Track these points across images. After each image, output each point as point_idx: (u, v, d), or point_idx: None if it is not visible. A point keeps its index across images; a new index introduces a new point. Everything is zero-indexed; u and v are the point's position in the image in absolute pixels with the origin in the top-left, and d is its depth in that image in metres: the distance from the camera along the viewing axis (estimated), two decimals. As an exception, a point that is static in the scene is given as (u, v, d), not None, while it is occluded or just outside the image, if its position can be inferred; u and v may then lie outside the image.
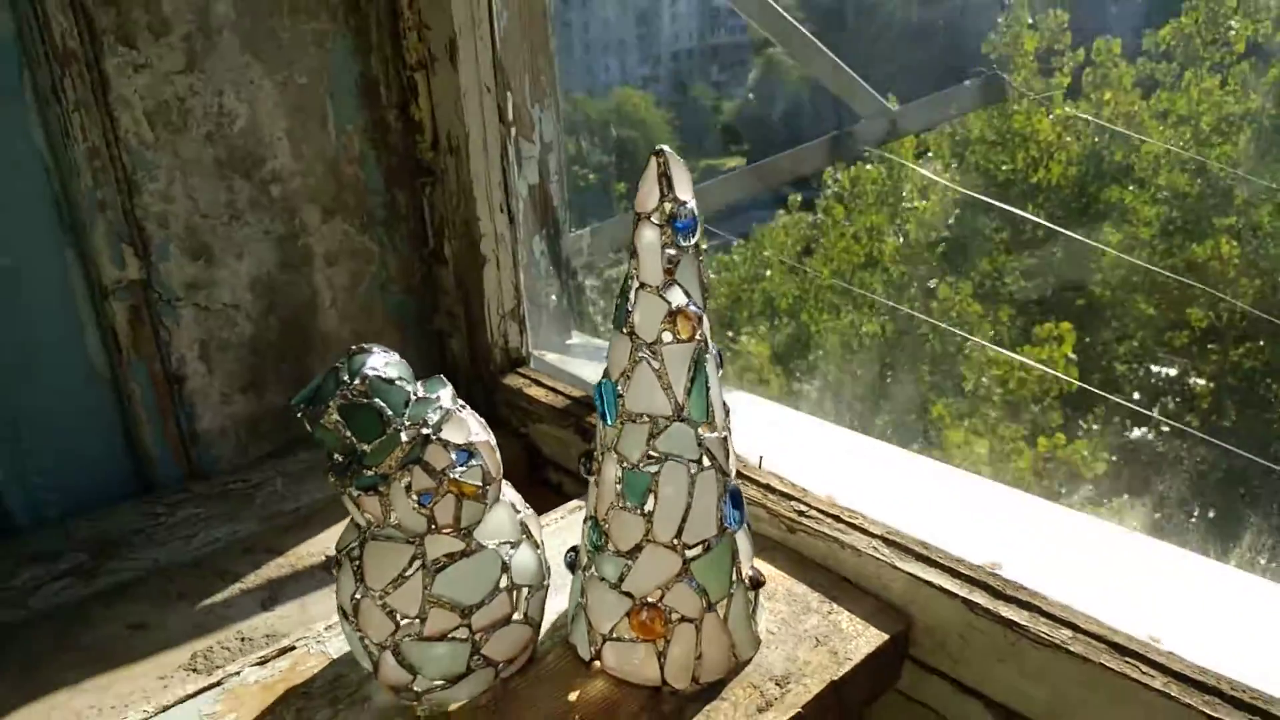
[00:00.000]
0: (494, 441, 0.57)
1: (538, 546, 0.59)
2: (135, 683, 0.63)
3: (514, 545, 0.57)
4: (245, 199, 0.88)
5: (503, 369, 0.97)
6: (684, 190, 0.53)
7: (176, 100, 0.82)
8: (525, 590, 0.58)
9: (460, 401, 0.57)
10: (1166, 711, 0.55)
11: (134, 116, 0.80)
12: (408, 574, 0.54)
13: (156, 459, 0.87)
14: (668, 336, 0.55)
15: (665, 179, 0.53)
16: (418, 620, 0.54)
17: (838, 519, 0.71)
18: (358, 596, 0.55)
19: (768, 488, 0.75)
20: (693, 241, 0.54)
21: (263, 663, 0.62)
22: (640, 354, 0.55)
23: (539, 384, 0.94)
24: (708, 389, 0.56)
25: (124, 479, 0.87)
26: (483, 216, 0.92)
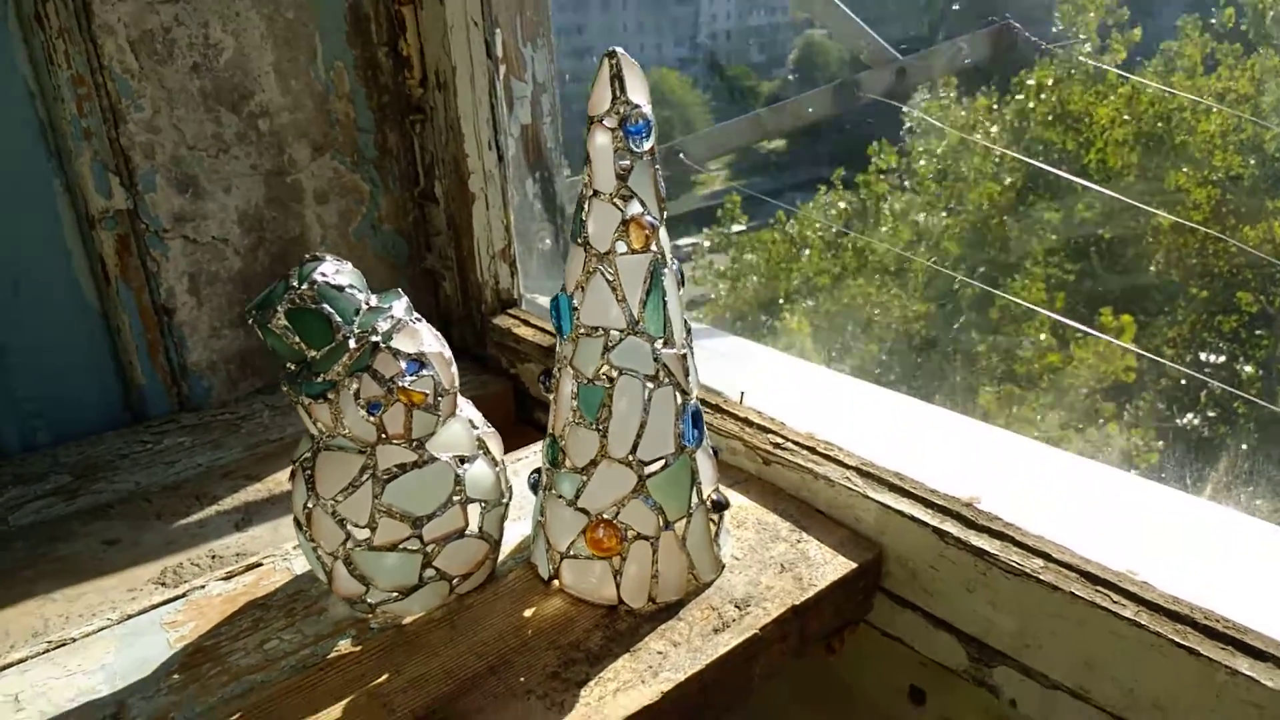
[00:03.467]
0: (449, 354, 0.56)
1: (496, 464, 0.59)
2: (104, 595, 0.63)
3: (469, 459, 0.57)
4: (233, 132, 0.88)
5: (493, 310, 0.97)
6: (637, 93, 0.52)
7: (161, 30, 0.82)
8: (480, 505, 0.57)
9: (416, 315, 0.56)
10: (1135, 640, 0.53)
11: (118, 44, 0.80)
12: (358, 483, 0.54)
13: (146, 390, 0.87)
14: (621, 247, 0.53)
15: (617, 80, 0.51)
16: (368, 529, 0.54)
17: (813, 450, 0.69)
18: (309, 506, 0.55)
19: (746, 421, 0.74)
20: (646, 147, 0.53)
21: (228, 577, 0.62)
22: (594, 265, 0.54)
23: (528, 324, 0.93)
24: (665, 303, 0.55)
25: (114, 409, 0.88)
26: (471, 153, 0.91)
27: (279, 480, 0.76)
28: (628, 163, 0.53)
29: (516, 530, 0.65)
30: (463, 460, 0.56)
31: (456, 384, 0.56)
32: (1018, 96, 8.51)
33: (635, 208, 0.53)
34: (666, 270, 0.55)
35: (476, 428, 0.58)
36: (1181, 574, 0.58)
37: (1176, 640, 0.51)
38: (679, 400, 0.56)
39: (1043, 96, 8.51)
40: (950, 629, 0.63)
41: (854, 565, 0.62)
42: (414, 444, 0.54)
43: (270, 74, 0.89)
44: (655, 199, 0.54)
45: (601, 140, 0.52)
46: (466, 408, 0.59)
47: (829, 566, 0.62)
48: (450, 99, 0.90)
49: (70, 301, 0.83)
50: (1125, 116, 8.24)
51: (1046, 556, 0.58)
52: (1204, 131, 7.84)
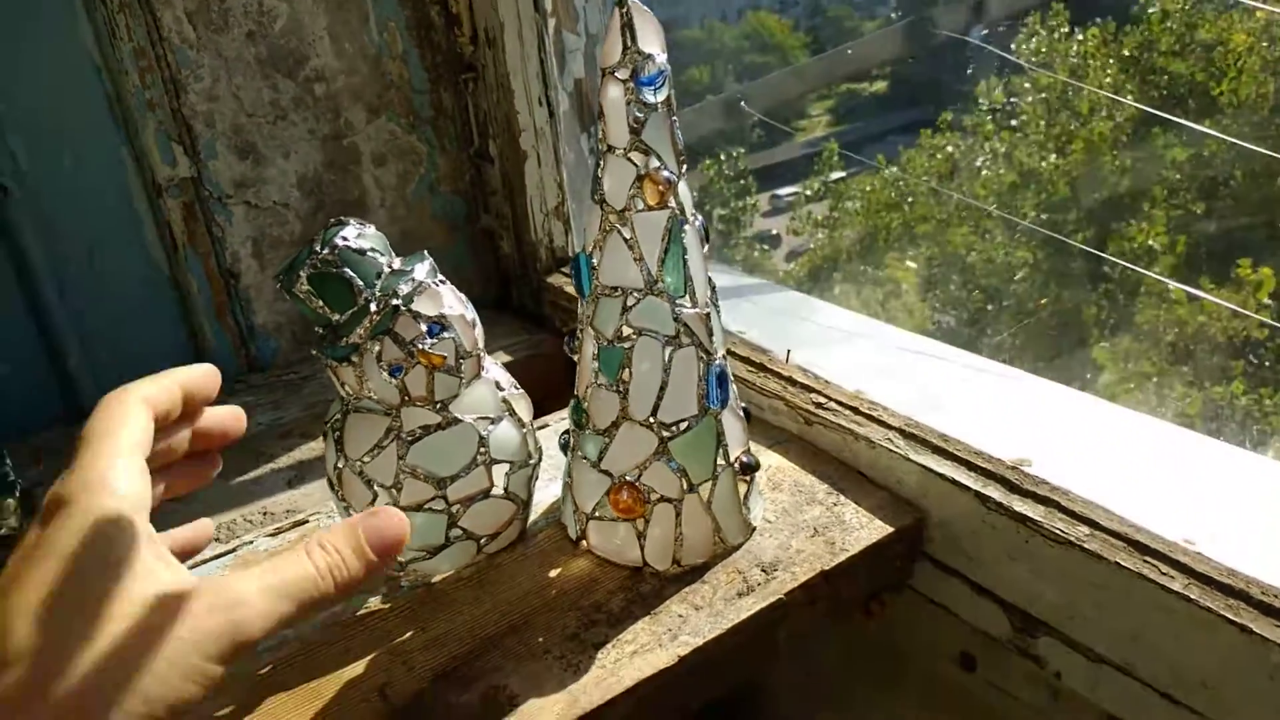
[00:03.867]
0: (471, 315, 0.56)
1: (523, 426, 0.59)
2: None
3: (493, 421, 0.57)
4: (289, 98, 0.89)
5: (549, 268, 0.97)
6: (650, 42, 0.50)
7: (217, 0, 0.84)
8: (506, 466, 0.57)
9: (440, 276, 0.56)
10: (1184, 615, 0.50)
11: (175, 15, 0.82)
12: (383, 444, 0.55)
13: (216, 352, 0.91)
14: (638, 204, 0.52)
15: (628, 29, 0.50)
16: (394, 489, 0.55)
17: (856, 410, 0.67)
18: (339, 466, 0.56)
19: (790, 380, 0.72)
20: (660, 99, 0.51)
21: (276, 533, 0.65)
22: (611, 224, 0.53)
23: (580, 282, 0.93)
24: (685, 262, 0.54)
25: (188, 370, 0.91)
26: (521, 110, 0.90)
27: (333, 438, 0.79)
28: (642, 115, 0.51)
29: (551, 491, 0.66)
30: (488, 422, 0.56)
31: (481, 345, 0.56)
32: (1139, 27, 7.98)
33: (651, 162, 0.52)
34: (687, 227, 0.54)
35: (502, 389, 0.58)
36: (1244, 544, 0.54)
37: (1228, 616, 0.48)
38: (702, 361, 0.55)
39: (1169, 25, 7.96)
40: (994, 597, 0.61)
41: (890, 530, 0.60)
42: (437, 406, 0.55)
43: (324, 38, 0.90)
44: (673, 153, 0.53)
45: (614, 93, 0.51)
46: (493, 369, 0.59)
47: (864, 531, 0.60)
48: (500, 55, 0.90)
49: (142, 268, 0.87)
50: (1264, 43, 7.63)
51: (1093, 524, 0.55)
52: (1354, 58, 7.21)
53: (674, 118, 0.52)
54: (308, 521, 0.66)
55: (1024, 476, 0.59)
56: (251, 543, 0.64)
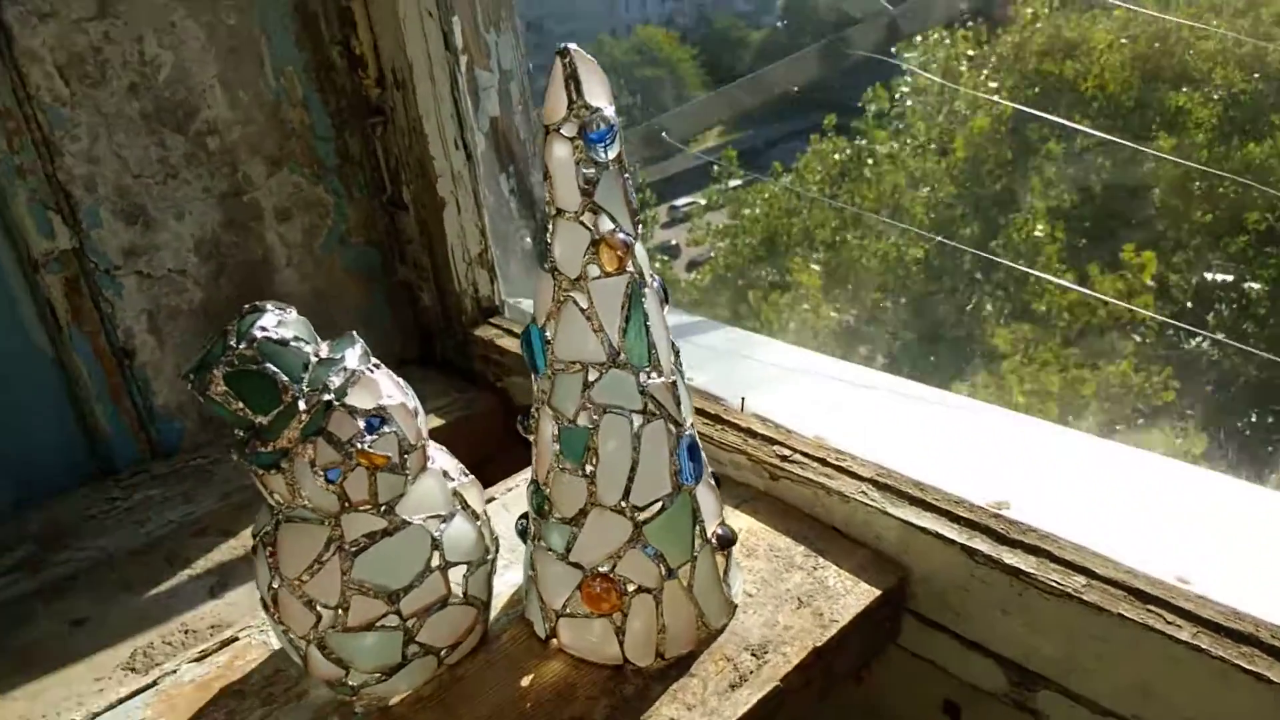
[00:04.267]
0: (414, 404, 0.50)
1: (477, 518, 0.53)
2: (70, 686, 0.58)
3: (445, 519, 0.51)
4: (180, 155, 0.81)
5: (474, 320, 0.91)
6: (597, 95, 0.46)
7: (91, 50, 0.76)
8: (462, 568, 0.52)
9: (373, 361, 0.50)
10: (1196, 665, 0.47)
11: (45, 71, 0.74)
12: (324, 559, 0.48)
13: (113, 439, 0.82)
14: (594, 270, 0.48)
15: (573, 82, 0.45)
16: (339, 610, 0.49)
17: (824, 462, 0.64)
18: (274, 586, 0.49)
19: (749, 432, 0.68)
20: (612, 155, 0.47)
21: (201, 658, 0.57)
22: (565, 293, 0.48)
23: (511, 334, 0.87)
24: (648, 328, 0.49)
25: (80, 462, 0.82)
26: (436, 155, 0.85)
27: (255, 531, 0.71)
28: (593, 172, 0.47)
29: (508, 579, 0.60)
30: (439, 520, 0.51)
31: (425, 435, 0.51)
32: (1011, 29, 8.32)
33: (605, 224, 0.47)
34: (646, 290, 0.49)
35: (451, 480, 0.53)
36: (1240, 578, 0.53)
37: (1241, 665, 0.46)
38: (672, 434, 0.51)
39: (1038, 25, 8.31)
40: (986, 651, 0.58)
41: (878, 592, 0.57)
42: (382, 509, 0.49)
43: (215, 87, 0.82)
44: (627, 212, 0.48)
45: (560, 152, 0.46)
46: (439, 457, 0.53)
47: (851, 596, 0.57)
48: (410, 97, 0.84)
49: (21, 351, 0.78)
50: (1123, 40, 8.05)
51: (1089, 573, 0.52)
52: (1203, 50, 7.66)
53: (626, 175, 0.48)
54: (238, 639, 0.58)
55: (1009, 525, 0.56)
56: (174, 671, 0.56)
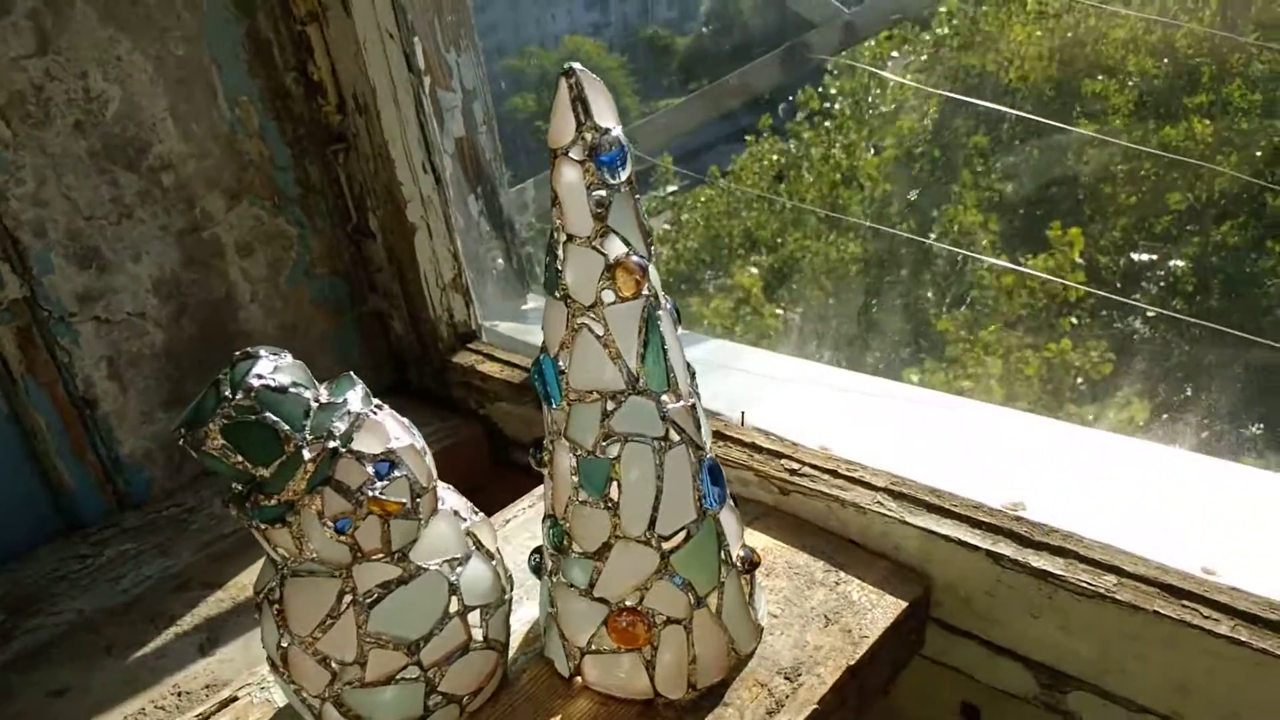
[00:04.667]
0: (422, 444, 0.48)
1: (492, 558, 0.51)
2: (57, 765, 0.54)
3: (461, 562, 0.49)
4: (133, 193, 0.77)
5: (451, 346, 0.88)
6: (605, 115, 0.44)
7: (32, 88, 0.72)
8: (480, 611, 0.49)
9: (376, 402, 0.48)
10: (1235, 658, 0.47)
11: (-17, 112, 0.69)
12: (337, 613, 0.46)
13: (78, 494, 0.78)
14: (609, 296, 0.46)
15: (580, 104, 0.43)
16: (357, 665, 0.46)
17: (835, 474, 0.62)
18: (284, 645, 0.46)
19: (753, 447, 0.67)
20: (624, 177, 0.45)
21: (200, 721, 0.54)
22: (579, 320, 0.46)
23: (492, 358, 0.85)
24: (665, 352, 0.47)
25: (45, 519, 0.78)
26: (404, 179, 0.82)
27: (242, 585, 0.68)
28: (604, 195, 0.45)
29: (521, 615, 0.58)
30: (454, 564, 0.48)
31: (435, 477, 0.48)
32: (932, 25, 8.50)
33: (618, 248, 0.46)
34: (661, 313, 0.48)
35: (464, 520, 0.50)
36: (1265, 567, 0.53)
37: (1283, 655, 0.46)
38: (694, 458, 0.49)
39: (955, 22, 8.51)
40: (1015, 656, 0.57)
41: (904, 604, 0.56)
42: (396, 556, 0.46)
43: (167, 120, 0.78)
44: (640, 234, 0.46)
45: (570, 176, 0.44)
46: (448, 497, 0.51)
47: (877, 610, 0.55)
48: (374, 122, 0.81)
49: (-27, 409, 0.73)
50: (1039, 32, 8.27)
51: (1119, 571, 0.52)
52: (1115, 38, 7.91)
53: (637, 196, 0.46)
54: (237, 698, 0.55)
55: (1032, 527, 0.55)
56: (172, 741, 0.53)
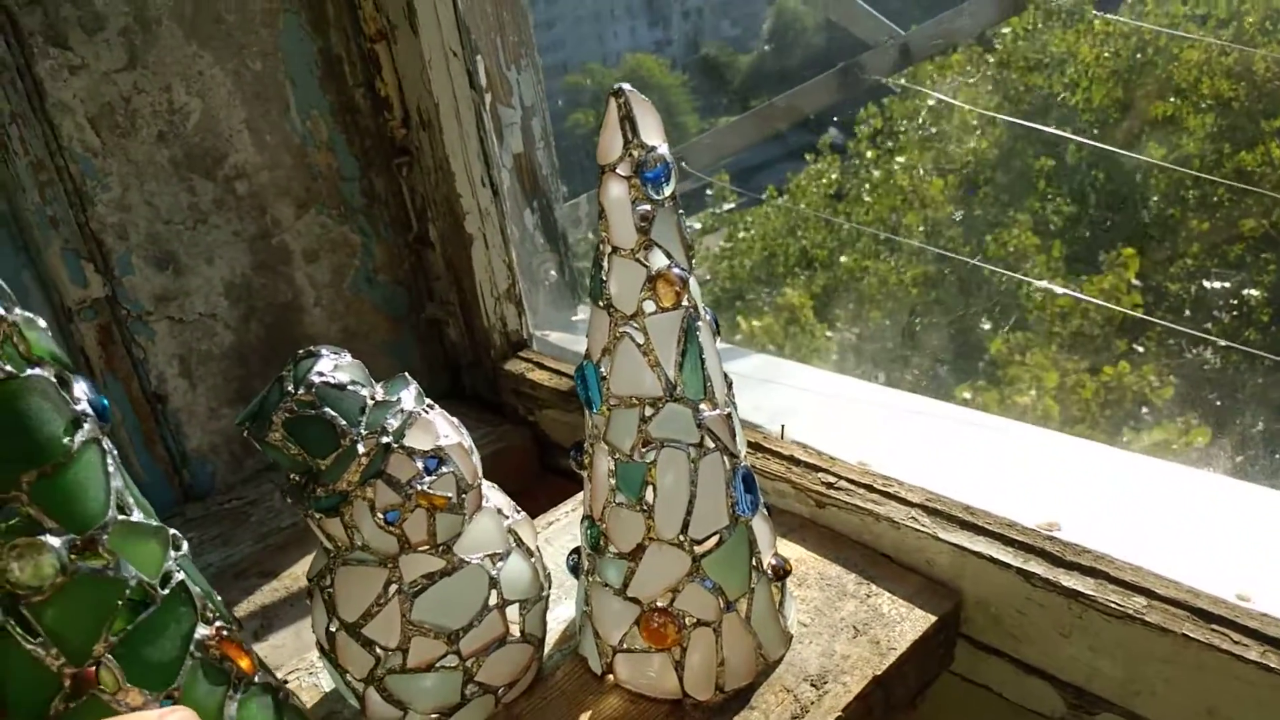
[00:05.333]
0: (469, 443, 0.50)
1: (531, 555, 0.53)
2: (121, 732, 0.58)
3: (502, 557, 0.51)
4: (209, 200, 0.82)
5: (503, 354, 0.91)
6: (652, 134, 0.46)
7: (121, 101, 0.76)
8: (519, 606, 0.51)
9: (428, 401, 0.50)
10: (1265, 685, 0.47)
11: (76, 122, 0.74)
12: (383, 601, 0.48)
13: (146, 485, 0.82)
14: (650, 306, 0.48)
15: (628, 122, 0.46)
16: (399, 651, 0.48)
17: (870, 488, 0.63)
18: (332, 630, 0.49)
19: (792, 460, 0.68)
20: (667, 193, 0.47)
21: (252, 701, 0.57)
22: (621, 329, 0.48)
23: (542, 367, 0.88)
24: (703, 361, 0.49)
25: (115, 507, 0.82)
26: (464, 192, 0.85)
27: (296, 575, 0.71)
28: (648, 209, 0.47)
29: (558, 613, 0.60)
30: (496, 559, 0.51)
31: (481, 475, 0.51)
32: (997, 46, 8.40)
33: (661, 261, 0.48)
34: (700, 324, 0.50)
35: (506, 517, 0.52)
36: (1299, 595, 0.53)
37: (1314, 683, 0.46)
38: (728, 466, 0.51)
39: (1020, 43, 8.40)
40: (1044, 675, 0.57)
41: (934, 618, 0.57)
42: (440, 549, 0.49)
43: (243, 132, 0.83)
44: (682, 248, 0.49)
45: (617, 191, 0.47)
46: (492, 495, 0.53)
47: (906, 623, 0.56)
48: (436, 137, 0.84)
49: (55, 400, 0.78)
50: (1106, 53, 8.12)
51: (1149, 593, 0.52)
52: (1188, 59, 7.73)
53: (681, 211, 0.48)
54: (287, 682, 0.58)
55: (1064, 547, 0.56)
56: (227, 717, 0.56)
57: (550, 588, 0.55)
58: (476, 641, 0.50)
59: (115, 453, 0.45)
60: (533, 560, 0.53)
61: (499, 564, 0.51)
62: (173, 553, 0.43)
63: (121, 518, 0.41)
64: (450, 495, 0.48)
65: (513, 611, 0.51)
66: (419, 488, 0.47)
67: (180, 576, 0.42)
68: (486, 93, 0.86)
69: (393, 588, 0.48)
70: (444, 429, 0.49)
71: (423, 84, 0.82)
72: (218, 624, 0.43)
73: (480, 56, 0.85)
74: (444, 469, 0.48)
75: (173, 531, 0.44)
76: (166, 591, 0.41)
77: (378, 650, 0.48)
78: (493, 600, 0.50)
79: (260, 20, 0.82)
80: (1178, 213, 7.42)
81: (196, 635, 0.42)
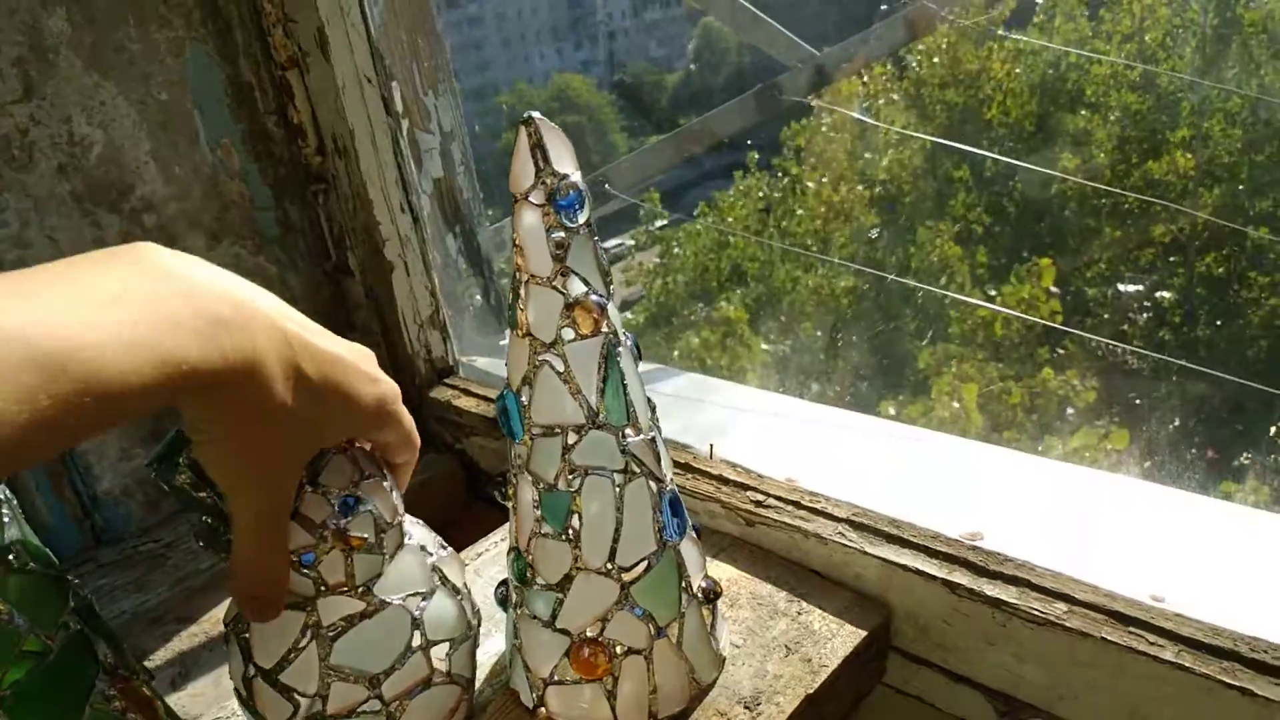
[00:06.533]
0: (390, 481, 0.49)
1: (458, 592, 0.52)
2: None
3: (426, 596, 0.50)
4: (115, 233, 0.79)
5: (429, 382, 0.90)
6: (563, 161, 0.46)
7: (17, 133, 0.73)
8: (445, 646, 0.50)
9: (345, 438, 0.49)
10: (1181, 684, 0.48)
11: (-32, 156, 0.71)
12: (300, 645, 0.46)
13: (55, 529, 0.78)
14: (569, 334, 0.47)
15: (539, 151, 0.45)
16: (319, 698, 0.47)
17: (798, 505, 0.64)
18: (249, 676, 0.47)
19: (721, 479, 0.68)
20: (581, 220, 0.47)
21: (169, 755, 0.55)
22: (540, 357, 0.48)
23: (468, 393, 0.86)
24: (625, 387, 0.49)
25: (21, 557, 0.78)
26: (382, 219, 0.84)
27: (215, 619, 0.69)
28: (563, 237, 0.47)
29: (489, 647, 0.59)
30: (419, 598, 0.49)
31: (402, 512, 0.50)
32: (911, 64, 8.64)
33: (578, 288, 0.47)
34: (621, 349, 0.49)
35: (431, 554, 0.51)
36: (1211, 593, 0.54)
37: (1225, 680, 0.47)
38: (654, 490, 0.50)
39: (935, 60, 8.65)
40: (973, 684, 0.58)
41: (864, 633, 0.57)
42: (360, 590, 0.47)
43: (150, 163, 0.80)
44: (599, 274, 0.48)
45: (530, 220, 0.46)
46: (416, 531, 0.52)
47: (837, 640, 0.57)
48: (352, 164, 0.83)
49: (-48, 447, 0.74)
50: (1017, 70, 8.42)
51: (1069, 599, 0.53)
52: (1097, 74, 8.05)
53: (596, 237, 0.48)
54: (207, 733, 0.56)
55: (987, 556, 0.57)
56: (141, 775, 0.53)
57: (479, 624, 0.54)
58: (400, 685, 0.48)
59: (14, 500, 0.43)
60: (459, 598, 0.52)
61: (423, 604, 0.49)
62: (71, 602, 0.41)
63: (17, 566, 0.39)
64: (367, 535, 0.47)
65: (438, 652, 0.50)
66: (333, 527, 0.46)
67: (78, 627, 0.40)
68: (403, 119, 0.85)
69: (310, 632, 0.47)
70: (365, 465, 0.48)
71: (337, 111, 0.81)
72: (120, 673, 0.41)
73: (396, 83, 0.84)
74: (361, 508, 0.47)
75: (74, 580, 0.42)
76: (64, 642, 0.39)
77: (296, 697, 0.47)
78: (416, 641, 0.49)
79: (165, 49, 0.80)
80: (1092, 220, 7.70)
81: (97, 687, 0.40)
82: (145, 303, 0.35)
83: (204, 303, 0.36)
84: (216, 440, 0.39)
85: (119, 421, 0.34)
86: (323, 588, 0.46)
